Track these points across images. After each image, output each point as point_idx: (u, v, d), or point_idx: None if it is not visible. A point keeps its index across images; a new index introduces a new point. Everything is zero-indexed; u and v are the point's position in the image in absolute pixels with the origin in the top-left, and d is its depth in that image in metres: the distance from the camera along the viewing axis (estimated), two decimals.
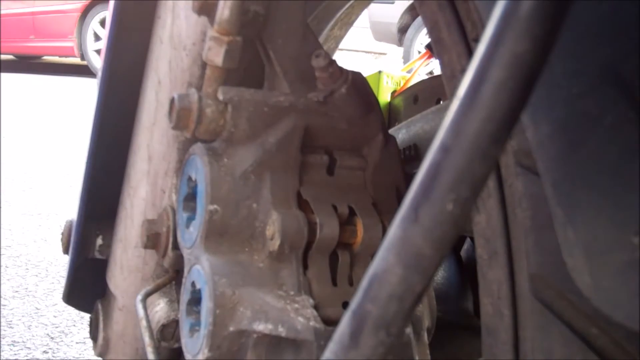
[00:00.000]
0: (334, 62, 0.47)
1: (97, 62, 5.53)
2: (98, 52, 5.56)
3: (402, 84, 1.18)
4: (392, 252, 0.22)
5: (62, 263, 2.70)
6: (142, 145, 0.59)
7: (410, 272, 0.21)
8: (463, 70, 0.38)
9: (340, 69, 0.48)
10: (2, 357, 2.04)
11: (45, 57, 6.65)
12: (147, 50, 0.58)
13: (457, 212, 0.21)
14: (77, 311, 0.92)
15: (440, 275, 0.77)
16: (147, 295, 0.52)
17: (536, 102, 0.23)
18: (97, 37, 5.63)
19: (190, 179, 0.47)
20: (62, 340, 2.22)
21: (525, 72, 0.20)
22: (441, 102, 0.81)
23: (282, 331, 0.41)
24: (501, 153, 0.21)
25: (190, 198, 0.48)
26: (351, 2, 0.96)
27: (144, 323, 0.52)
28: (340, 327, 0.23)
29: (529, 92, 0.20)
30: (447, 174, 0.21)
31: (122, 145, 0.63)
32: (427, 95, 0.88)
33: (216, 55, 0.46)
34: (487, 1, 0.31)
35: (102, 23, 5.37)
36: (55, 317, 2.35)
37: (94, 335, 0.78)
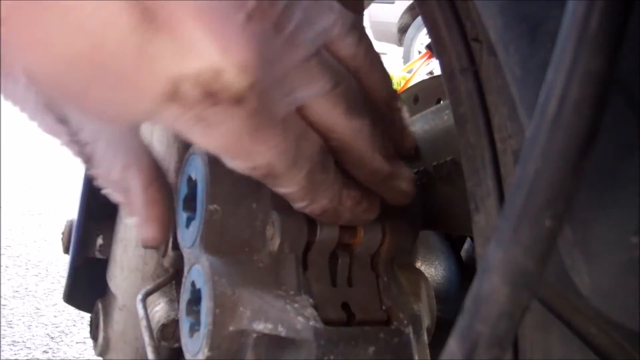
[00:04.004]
0: None
1: None
2: None
3: (402, 84, 1.18)
4: (495, 273, 0.23)
5: (62, 263, 2.70)
6: None
7: (517, 290, 0.23)
8: (463, 70, 0.38)
9: None
10: (2, 357, 2.04)
11: None
12: None
13: (556, 227, 0.22)
14: (77, 311, 0.93)
15: (440, 275, 0.77)
16: (147, 294, 0.53)
17: (535, 102, 0.23)
18: None
19: (190, 178, 0.47)
20: (62, 340, 2.22)
21: (601, 87, 0.21)
22: (441, 102, 0.81)
23: (281, 331, 0.41)
24: (588, 164, 0.22)
25: (190, 198, 0.48)
26: None
27: (144, 323, 0.52)
28: (447, 350, 0.24)
29: (605, 105, 0.22)
30: (541, 192, 0.22)
31: None
32: (427, 95, 0.88)
33: None
34: (487, 1, 0.31)
35: None
36: (55, 317, 2.35)
37: (94, 335, 0.78)
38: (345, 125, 0.39)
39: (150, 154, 0.45)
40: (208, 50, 0.30)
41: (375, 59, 0.41)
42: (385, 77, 0.42)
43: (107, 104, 0.33)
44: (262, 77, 0.33)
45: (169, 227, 0.46)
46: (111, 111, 0.34)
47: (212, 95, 0.32)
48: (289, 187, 0.40)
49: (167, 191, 0.46)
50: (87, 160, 0.43)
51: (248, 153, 0.37)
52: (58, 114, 0.38)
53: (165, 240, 0.50)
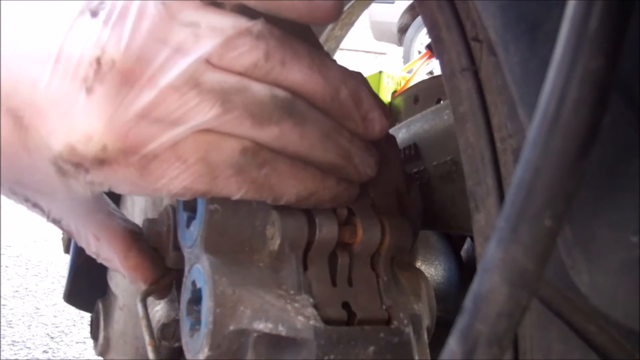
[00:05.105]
0: None
1: None
2: None
3: (402, 84, 1.18)
4: (495, 272, 0.23)
5: (62, 263, 2.70)
6: None
7: (516, 289, 0.23)
8: (463, 70, 0.38)
9: None
10: (2, 357, 2.04)
11: None
12: None
13: (555, 227, 0.22)
14: (77, 311, 0.93)
15: (440, 275, 0.77)
16: (148, 294, 0.52)
17: (534, 102, 0.23)
18: None
19: None
20: (62, 340, 2.22)
21: (600, 87, 0.21)
22: (441, 102, 0.81)
23: (282, 330, 0.41)
24: (589, 164, 0.22)
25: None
26: (352, 2, 0.96)
27: (144, 322, 0.52)
28: (447, 349, 0.24)
29: (606, 105, 0.22)
30: (541, 192, 0.22)
31: None
32: (427, 95, 0.89)
33: None
34: (487, 1, 0.31)
35: None
36: (55, 316, 2.35)
37: (94, 334, 0.78)
38: (260, 136, 0.38)
39: (122, 223, 0.50)
40: (60, 134, 0.36)
41: (289, 54, 0.38)
42: (314, 64, 0.39)
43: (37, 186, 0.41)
44: (125, 130, 0.36)
45: (157, 278, 0.52)
46: (44, 189, 0.41)
47: (79, 164, 0.37)
48: (235, 192, 0.40)
49: (149, 252, 0.51)
50: (69, 234, 0.49)
51: (158, 189, 0.39)
52: (28, 200, 0.45)
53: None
